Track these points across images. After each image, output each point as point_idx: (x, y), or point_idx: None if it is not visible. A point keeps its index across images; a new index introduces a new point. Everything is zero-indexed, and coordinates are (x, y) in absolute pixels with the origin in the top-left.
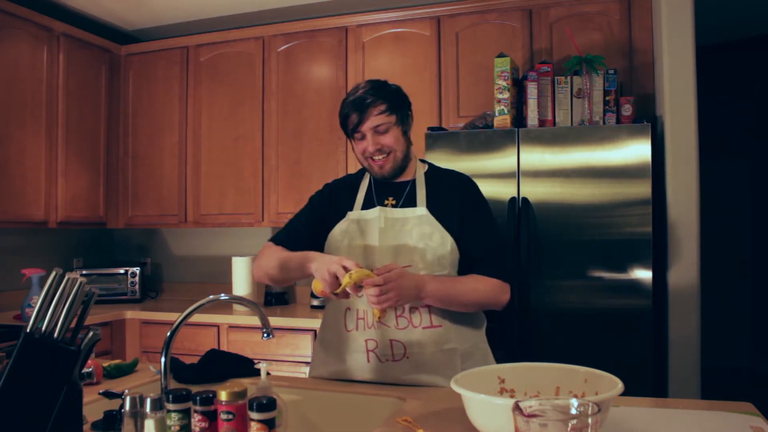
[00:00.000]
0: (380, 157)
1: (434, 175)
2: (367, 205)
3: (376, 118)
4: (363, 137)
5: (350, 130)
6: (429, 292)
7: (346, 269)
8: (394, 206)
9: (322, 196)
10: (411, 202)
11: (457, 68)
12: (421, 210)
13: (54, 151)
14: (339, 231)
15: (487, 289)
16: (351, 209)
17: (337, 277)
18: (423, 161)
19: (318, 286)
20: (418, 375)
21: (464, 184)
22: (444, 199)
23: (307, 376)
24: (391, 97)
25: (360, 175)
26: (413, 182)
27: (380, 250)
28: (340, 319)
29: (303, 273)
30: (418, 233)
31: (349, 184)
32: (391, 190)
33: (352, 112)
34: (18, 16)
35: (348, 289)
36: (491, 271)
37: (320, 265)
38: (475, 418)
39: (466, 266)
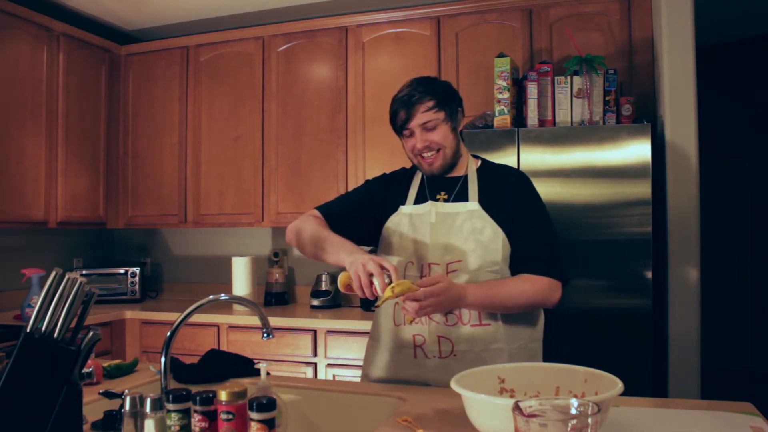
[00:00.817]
0: (429, 154)
1: (487, 170)
2: (419, 199)
3: (423, 115)
4: (411, 134)
5: (398, 127)
6: (470, 303)
7: (383, 269)
8: (446, 201)
9: (380, 182)
10: (463, 197)
11: (457, 68)
12: (472, 204)
13: (54, 151)
14: (391, 224)
15: (534, 289)
16: (404, 203)
17: (371, 280)
18: (476, 156)
19: (345, 279)
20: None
21: (517, 178)
22: (496, 194)
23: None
24: (439, 93)
25: (413, 170)
26: (465, 177)
27: (431, 245)
28: (389, 314)
29: (336, 260)
30: (469, 228)
31: (403, 178)
32: (444, 185)
33: (399, 109)
34: (18, 16)
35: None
36: (541, 269)
37: (356, 260)
38: (475, 418)
39: (517, 261)
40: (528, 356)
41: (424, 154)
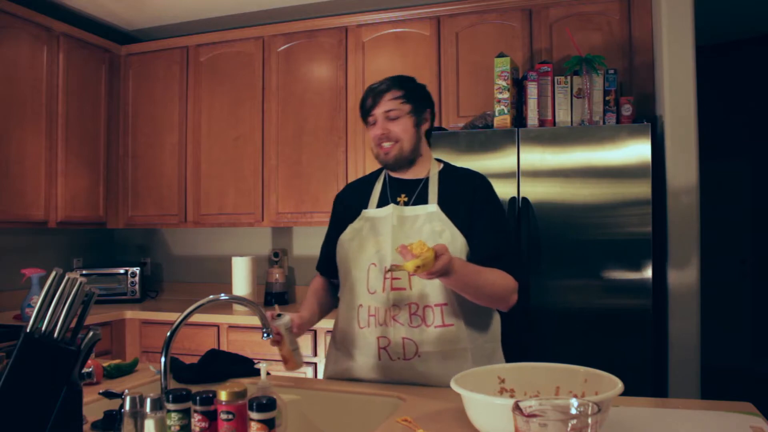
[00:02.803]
0: (387, 144)
1: (449, 173)
2: (381, 203)
3: (388, 103)
4: (375, 122)
5: (365, 114)
6: (455, 273)
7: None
8: (406, 203)
9: (334, 210)
10: (423, 200)
11: (457, 68)
12: (431, 207)
13: (54, 151)
14: (350, 230)
15: (504, 283)
16: (366, 207)
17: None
18: (439, 160)
19: (411, 264)
20: (429, 374)
21: (476, 182)
22: (456, 197)
23: (311, 376)
24: (409, 88)
25: (376, 174)
26: (426, 180)
27: (393, 248)
28: (352, 316)
29: None
30: (428, 230)
31: (364, 183)
32: (404, 188)
33: (368, 95)
34: (18, 16)
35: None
36: (506, 269)
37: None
38: (475, 418)
39: (481, 263)
40: (487, 355)
41: (383, 144)
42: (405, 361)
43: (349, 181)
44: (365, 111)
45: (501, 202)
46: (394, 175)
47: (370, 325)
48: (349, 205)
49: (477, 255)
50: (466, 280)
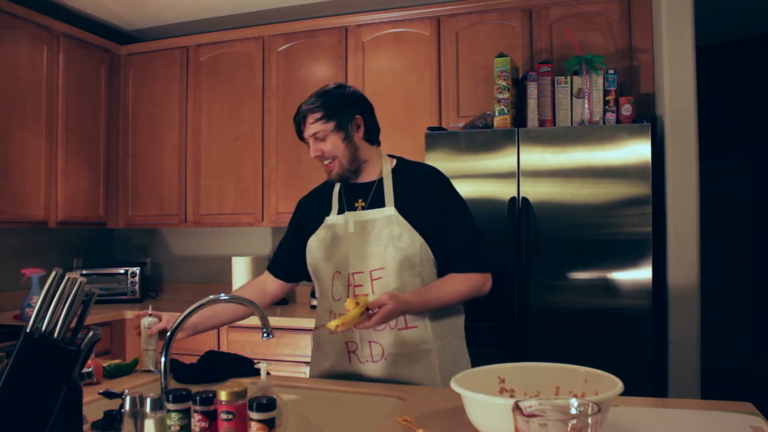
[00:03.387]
0: (327, 161)
1: (403, 171)
2: (340, 209)
3: (312, 126)
4: (308, 144)
5: (300, 137)
6: (415, 311)
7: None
8: (363, 208)
9: (295, 214)
10: (379, 203)
11: (457, 68)
12: (389, 210)
13: (54, 151)
14: (315, 239)
15: (469, 285)
16: (328, 215)
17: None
18: (392, 156)
19: (333, 323)
20: (396, 375)
21: (432, 179)
22: (412, 197)
23: (307, 376)
24: (328, 104)
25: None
26: (380, 181)
27: (353, 254)
28: (325, 319)
29: None
30: (387, 234)
31: (324, 190)
32: (360, 192)
33: (296, 121)
34: (18, 16)
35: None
36: (469, 267)
37: None
38: (475, 418)
39: (444, 261)
40: (453, 353)
41: (324, 161)
42: (373, 363)
43: None
44: (298, 135)
45: (459, 194)
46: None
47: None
48: (313, 211)
49: (441, 252)
50: (428, 306)
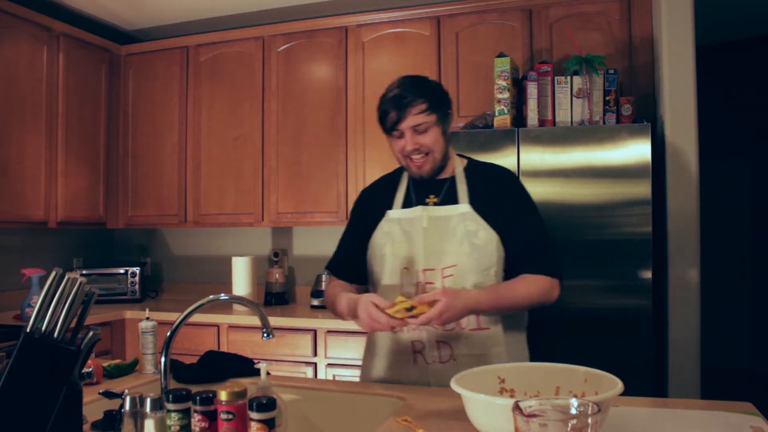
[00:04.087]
0: (418, 156)
1: (474, 170)
2: (407, 203)
3: (415, 117)
4: (401, 135)
5: (388, 128)
6: (483, 309)
7: (377, 306)
8: (435, 204)
9: (358, 207)
10: (452, 200)
11: (457, 68)
12: (463, 207)
13: (54, 151)
14: (380, 233)
15: (539, 289)
16: (390, 208)
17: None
18: (461, 156)
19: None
20: None
21: (505, 177)
22: (486, 195)
23: (307, 376)
24: (430, 95)
25: (397, 173)
26: (453, 179)
27: (425, 250)
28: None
29: (350, 320)
30: (462, 231)
31: (387, 183)
32: (432, 188)
33: (390, 109)
34: (18, 16)
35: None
36: (540, 268)
37: (360, 318)
38: (475, 418)
39: (512, 262)
40: (519, 357)
41: (414, 157)
42: (440, 364)
43: (349, 180)
44: (390, 125)
45: (530, 196)
46: None
47: (404, 329)
48: (371, 207)
49: (512, 251)
50: (498, 305)
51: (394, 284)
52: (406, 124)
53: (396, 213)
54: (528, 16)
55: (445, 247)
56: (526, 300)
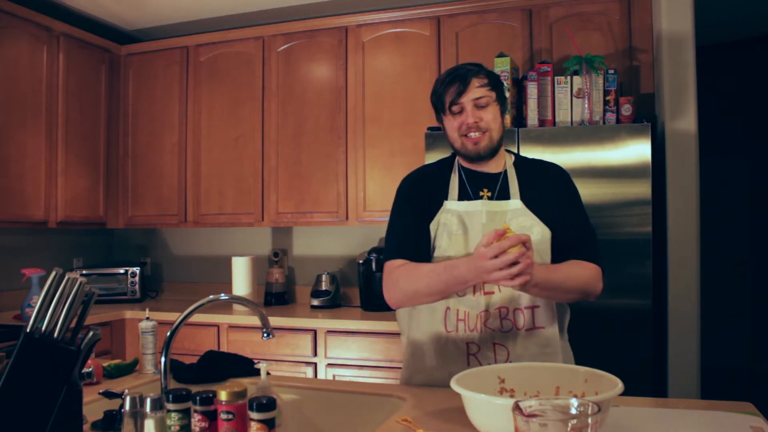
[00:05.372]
0: (476, 134)
1: (524, 165)
2: (462, 196)
3: (477, 90)
4: (461, 111)
5: (449, 103)
6: (537, 274)
7: (495, 247)
8: (490, 198)
9: (409, 192)
10: (504, 195)
11: None
12: (515, 203)
13: (54, 151)
14: (436, 223)
15: (587, 274)
16: (446, 199)
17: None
18: (509, 151)
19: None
20: None
21: (555, 172)
22: (537, 191)
23: (307, 376)
24: (491, 74)
25: (444, 165)
26: (505, 173)
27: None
28: (438, 320)
29: (457, 289)
30: (516, 227)
31: (436, 172)
32: (485, 181)
33: (454, 81)
34: (18, 16)
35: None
36: (588, 255)
37: (476, 274)
38: (475, 418)
39: (562, 249)
40: (569, 355)
41: (471, 134)
42: None
43: (349, 180)
44: (450, 99)
45: (578, 191)
46: (470, 167)
47: (459, 330)
48: (424, 194)
49: (560, 241)
50: (549, 281)
51: None
52: (468, 96)
53: (454, 204)
54: (528, 16)
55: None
56: (573, 281)
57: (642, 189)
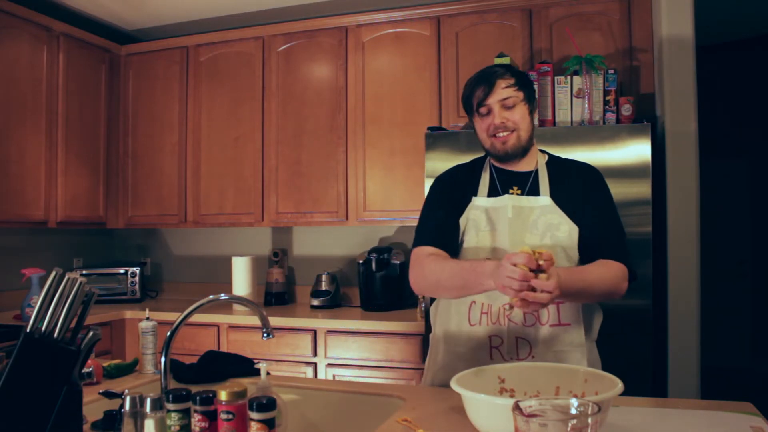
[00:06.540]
0: (504, 133)
1: (556, 164)
2: (492, 193)
3: (503, 91)
4: (489, 112)
5: (476, 105)
6: (563, 283)
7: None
8: (519, 196)
9: (441, 188)
10: (534, 192)
11: (457, 68)
12: (544, 199)
13: (54, 151)
14: (464, 219)
15: (612, 274)
16: (475, 194)
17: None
18: (542, 151)
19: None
20: None
21: (587, 171)
22: (567, 190)
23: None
24: (518, 74)
25: (479, 164)
26: (536, 172)
27: (510, 241)
28: (462, 313)
29: (478, 289)
30: (544, 223)
31: (468, 170)
32: (515, 180)
33: (480, 83)
34: (18, 16)
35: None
36: (614, 254)
37: (498, 279)
38: (475, 418)
39: (586, 249)
40: (595, 355)
41: (499, 134)
42: (518, 361)
43: (349, 180)
44: (478, 101)
45: (610, 192)
46: (501, 166)
47: (482, 323)
48: (456, 189)
49: (588, 238)
50: (574, 285)
51: None
52: (494, 98)
53: (482, 200)
54: (528, 16)
55: (527, 239)
56: (600, 283)
57: (642, 189)
